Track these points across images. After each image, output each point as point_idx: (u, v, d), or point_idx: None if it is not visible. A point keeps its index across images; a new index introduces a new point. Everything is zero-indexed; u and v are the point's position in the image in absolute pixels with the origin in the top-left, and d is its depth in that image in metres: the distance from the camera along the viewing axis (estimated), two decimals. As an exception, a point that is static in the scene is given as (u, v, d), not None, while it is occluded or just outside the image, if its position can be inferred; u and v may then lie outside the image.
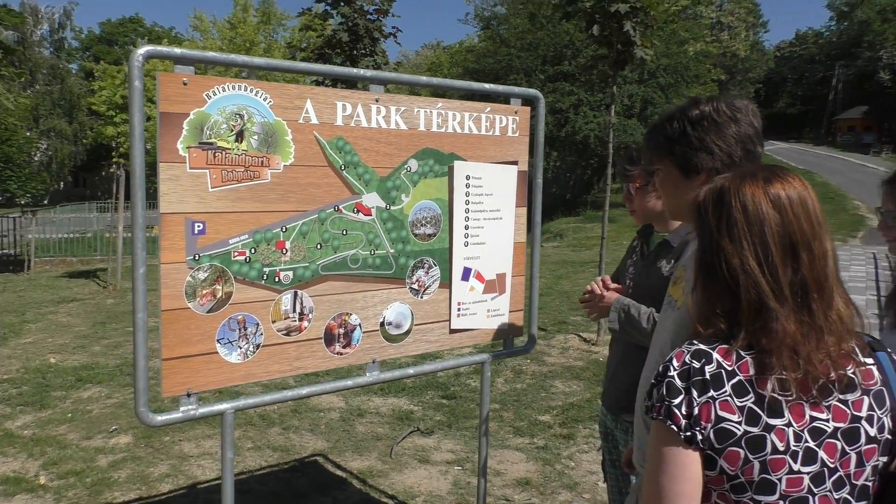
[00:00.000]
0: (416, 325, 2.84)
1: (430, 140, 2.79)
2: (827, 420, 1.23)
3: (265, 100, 2.38)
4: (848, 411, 1.24)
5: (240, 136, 2.34)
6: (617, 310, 2.41)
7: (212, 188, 2.30)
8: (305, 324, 2.55)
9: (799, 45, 73.16)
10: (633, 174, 2.48)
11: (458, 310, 2.95)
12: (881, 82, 57.41)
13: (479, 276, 3.00)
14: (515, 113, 3.04)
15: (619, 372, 2.53)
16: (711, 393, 1.21)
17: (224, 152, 2.31)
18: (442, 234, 2.88)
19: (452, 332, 2.96)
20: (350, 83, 9.46)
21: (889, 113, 56.04)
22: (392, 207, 2.72)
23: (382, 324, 2.75)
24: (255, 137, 2.37)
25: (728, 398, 1.21)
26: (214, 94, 2.28)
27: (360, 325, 2.69)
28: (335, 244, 2.59)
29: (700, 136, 1.68)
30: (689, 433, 1.21)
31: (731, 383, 1.22)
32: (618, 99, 23.45)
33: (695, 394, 1.22)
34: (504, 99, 3.09)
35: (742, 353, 1.24)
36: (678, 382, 1.24)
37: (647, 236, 2.59)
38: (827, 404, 1.23)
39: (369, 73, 2.65)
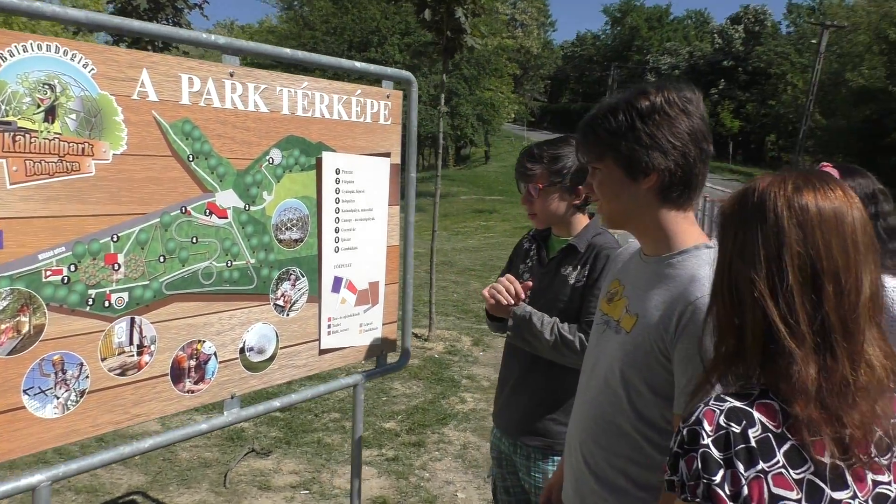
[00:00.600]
0: (282, 348, 2.36)
1: (296, 126, 2.32)
2: (889, 483, 1.02)
3: (86, 67, 1.79)
4: None
5: (50, 115, 1.73)
6: (517, 316, 2.14)
7: (11, 184, 1.67)
8: (147, 358, 1.99)
9: (580, 45, 79.24)
10: (534, 174, 2.21)
11: (329, 327, 2.52)
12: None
13: (350, 287, 2.59)
14: (387, 97, 2.65)
15: (518, 391, 2.27)
16: (761, 465, 0.95)
17: (28, 135, 1.69)
18: (310, 238, 2.42)
19: (322, 352, 2.52)
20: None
21: (655, 111, 62.39)
22: (252, 208, 2.21)
23: (242, 350, 2.24)
24: (73, 117, 1.77)
25: (782, 471, 0.96)
26: (12, 54, 1.65)
27: (215, 353, 2.16)
28: (183, 255, 2.04)
29: (651, 132, 1.44)
30: None
31: (782, 451, 0.96)
32: (425, 88, 23.59)
33: (740, 467, 0.95)
34: (375, 81, 2.69)
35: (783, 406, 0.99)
36: (715, 453, 0.97)
37: (545, 240, 2.35)
38: (887, 462, 1.02)
39: (222, 39, 2.12)
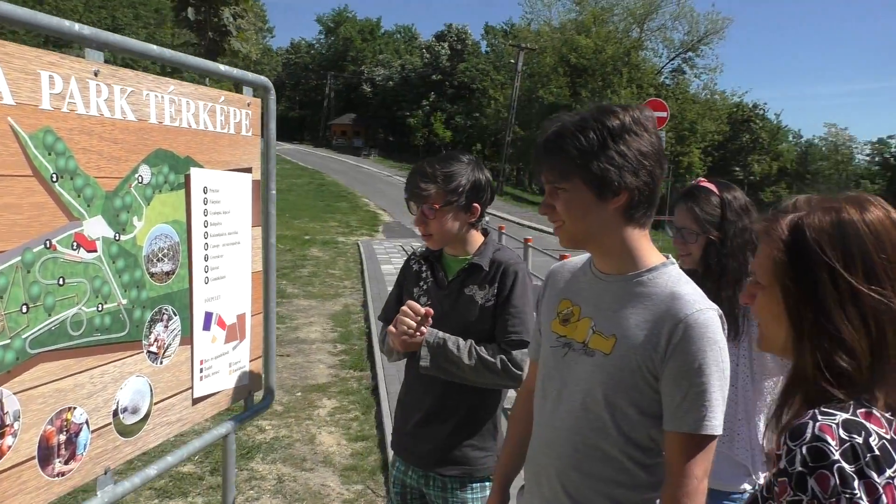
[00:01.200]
0: (156, 403, 1.96)
1: (164, 138, 1.94)
2: None
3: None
4: None
5: None
6: (431, 345, 2.05)
7: None
8: (9, 440, 1.51)
9: (294, 53, 78.80)
10: (429, 194, 2.09)
11: (202, 370, 2.16)
12: (364, 94, 65.93)
13: (220, 322, 2.24)
14: (248, 105, 2.36)
15: (432, 421, 2.17)
16: (888, 472, 0.99)
17: None
18: (181, 270, 2.05)
19: (196, 402, 2.15)
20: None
21: (373, 120, 64.70)
22: (122, 237, 1.81)
23: (116, 412, 1.82)
24: None
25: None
26: None
27: (87, 422, 1.72)
28: (49, 302, 1.59)
29: (622, 151, 1.44)
30: None
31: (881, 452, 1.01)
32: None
33: (874, 476, 0.98)
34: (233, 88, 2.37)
35: (884, 414, 1.06)
36: (847, 467, 0.99)
37: (437, 260, 2.27)
38: None
39: (87, 30, 1.69)
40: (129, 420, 1.86)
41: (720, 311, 1.46)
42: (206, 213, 2.14)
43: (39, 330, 1.57)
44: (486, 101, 46.70)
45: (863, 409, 1.04)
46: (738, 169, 47.84)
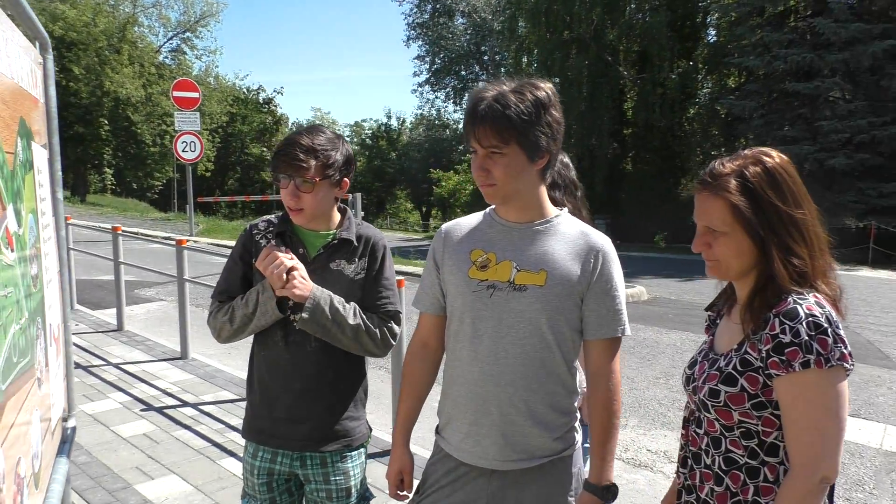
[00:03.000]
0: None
1: (22, 103, 1.49)
2: None
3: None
4: None
5: None
6: (317, 297, 1.99)
7: None
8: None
9: None
10: (309, 167, 1.99)
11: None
12: None
13: (55, 339, 1.78)
14: (40, 65, 1.88)
15: (306, 400, 2.06)
16: (841, 331, 1.35)
17: None
18: (41, 272, 1.59)
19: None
20: None
21: None
22: (21, 231, 1.36)
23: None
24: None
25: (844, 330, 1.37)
26: None
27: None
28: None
29: (549, 121, 1.66)
30: (852, 368, 1.35)
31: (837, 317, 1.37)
32: None
33: (841, 333, 1.33)
34: None
35: (826, 295, 1.42)
36: (831, 329, 1.32)
37: (293, 235, 2.11)
38: None
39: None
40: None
41: None
42: (40, 199, 1.69)
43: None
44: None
45: (814, 294, 1.39)
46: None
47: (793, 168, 1.47)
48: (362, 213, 11.70)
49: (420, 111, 60.01)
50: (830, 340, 1.31)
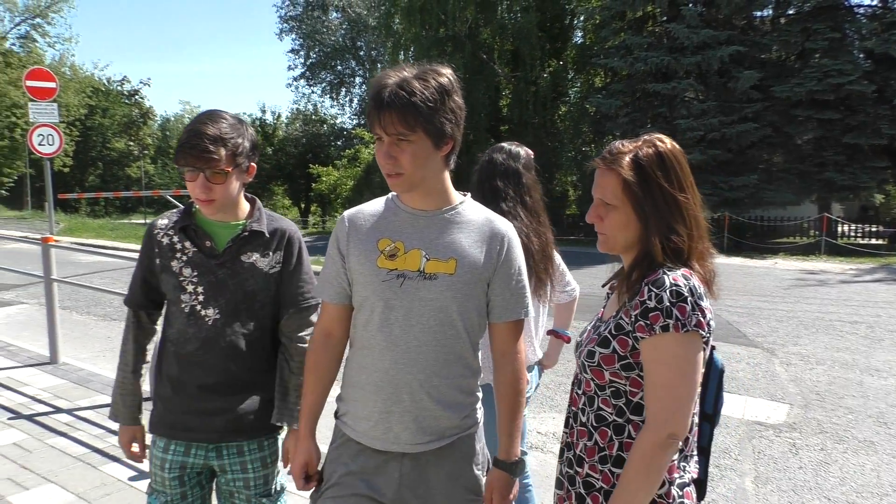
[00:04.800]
0: None
1: None
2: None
3: None
4: None
5: None
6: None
7: None
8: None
9: None
10: (219, 158, 1.92)
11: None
12: None
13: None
14: None
15: (221, 392, 2.03)
16: (705, 302, 1.47)
17: None
18: None
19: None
20: None
21: None
22: None
23: None
24: None
25: (708, 303, 1.48)
26: None
27: None
28: None
29: (452, 107, 1.67)
30: (708, 336, 1.47)
31: (702, 291, 1.48)
32: None
33: (703, 303, 1.45)
34: None
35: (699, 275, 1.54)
36: (691, 298, 1.43)
37: (197, 228, 2.05)
38: None
39: None
40: None
41: None
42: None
43: None
44: None
45: (685, 270, 1.51)
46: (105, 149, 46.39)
47: (683, 156, 1.59)
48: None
49: (296, 106, 58.78)
50: (689, 308, 1.42)
